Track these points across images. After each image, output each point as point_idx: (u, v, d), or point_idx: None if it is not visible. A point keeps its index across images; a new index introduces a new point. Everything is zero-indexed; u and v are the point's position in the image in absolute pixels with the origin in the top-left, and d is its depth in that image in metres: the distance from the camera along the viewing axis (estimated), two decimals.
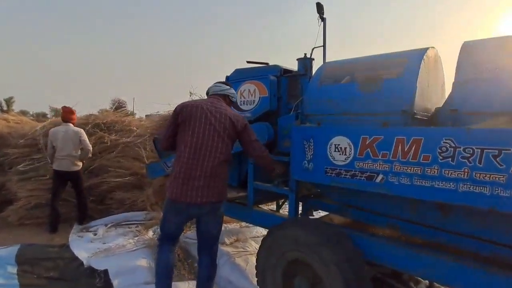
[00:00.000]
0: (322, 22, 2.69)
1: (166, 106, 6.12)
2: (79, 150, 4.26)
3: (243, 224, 4.22)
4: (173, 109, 2.22)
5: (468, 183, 1.55)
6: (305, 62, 2.63)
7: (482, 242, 1.72)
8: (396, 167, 1.77)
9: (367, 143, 1.88)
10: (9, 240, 3.65)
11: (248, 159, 2.84)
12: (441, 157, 1.62)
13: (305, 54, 2.65)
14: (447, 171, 1.60)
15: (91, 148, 4.35)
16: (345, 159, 1.98)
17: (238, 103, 2.82)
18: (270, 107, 2.56)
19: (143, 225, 4.18)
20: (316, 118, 2.30)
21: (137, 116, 8.04)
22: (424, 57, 1.96)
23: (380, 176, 1.83)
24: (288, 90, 2.65)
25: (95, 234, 3.95)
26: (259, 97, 2.62)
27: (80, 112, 5.83)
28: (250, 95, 2.69)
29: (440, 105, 2.19)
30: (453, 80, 1.89)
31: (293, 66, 2.75)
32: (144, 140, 5.49)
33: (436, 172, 1.64)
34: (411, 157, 1.72)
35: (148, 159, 5.13)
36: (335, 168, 2.02)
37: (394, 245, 1.89)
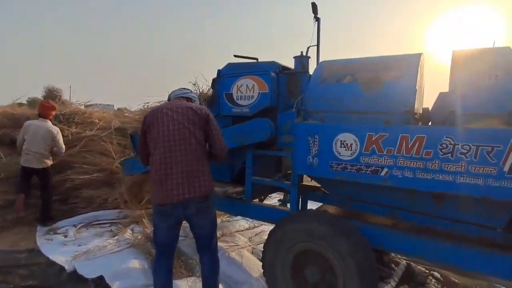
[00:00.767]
0: (317, 22, 2.80)
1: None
2: (50, 149, 3.97)
3: (224, 218, 4.24)
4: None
5: (464, 175, 1.79)
6: (302, 60, 2.72)
7: (471, 225, 1.99)
8: (400, 161, 1.96)
9: (373, 139, 2.04)
10: None
11: (240, 155, 2.87)
12: (441, 153, 1.84)
13: (302, 52, 2.74)
14: (447, 165, 1.83)
15: (63, 150, 4.12)
16: (351, 155, 2.12)
17: (234, 98, 2.83)
18: (270, 103, 2.61)
19: (119, 225, 3.96)
20: (319, 115, 2.41)
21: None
22: (420, 62, 2.18)
23: (385, 170, 2.01)
24: (287, 87, 2.71)
25: (65, 236, 3.66)
26: (259, 93, 2.65)
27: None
28: (248, 90, 2.70)
29: (424, 105, 2.46)
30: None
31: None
32: (110, 134, 5.17)
33: (437, 166, 1.85)
34: (414, 152, 1.91)
35: (116, 153, 4.85)
36: (341, 163, 2.16)
37: (398, 233, 2.10)
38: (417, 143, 1.90)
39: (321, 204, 2.90)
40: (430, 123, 2.25)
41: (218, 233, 3.62)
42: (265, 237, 3.78)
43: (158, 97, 4.64)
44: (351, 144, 2.12)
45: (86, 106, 6.78)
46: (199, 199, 1.98)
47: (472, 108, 1.88)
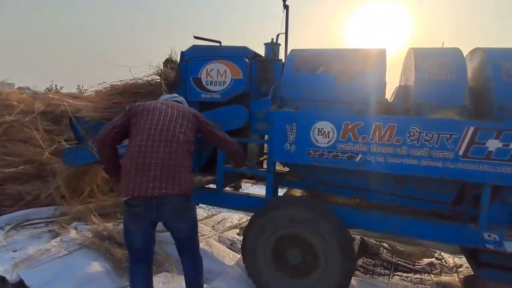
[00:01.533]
0: (285, 10, 2.80)
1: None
2: None
3: None
4: None
5: (427, 159, 2.05)
6: (273, 47, 2.71)
7: (425, 202, 2.31)
8: (373, 148, 2.15)
9: (349, 127, 2.19)
10: None
11: (208, 142, 2.77)
12: (409, 140, 2.07)
13: (272, 39, 2.72)
14: (413, 150, 2.07)
15: None
16: (328, 142, 2.25)
17: (203, 83, 2.69)
18: (244, 89, 2.56)
19: (57, 223, 3.49)
20: (294, 103, 2.47)
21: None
22: (386, 55, 2.38)
23: (360, 156, 2.18)
24: (258, 73, 2.68)
25: None
26: (232, 79, 2.57)
27: None
28: (220, 75, 2.60)
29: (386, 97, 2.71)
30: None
31: None
32: (34, 119, 4.44)
33: (404, 151, 2.09)
34: (386, 139, 2.12)
35: (44, 142, 4.21)
36: (318, 150, 2.27)
37: (368, 212, 2.32)
38: (389, 131, 2.11)
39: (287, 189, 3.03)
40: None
41: None
42: (228, 224, 3.84)
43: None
44: (328, 132, 2.23)
45: None
46: (177, 197, 1.77)
47: (431, 101, 2.14)
